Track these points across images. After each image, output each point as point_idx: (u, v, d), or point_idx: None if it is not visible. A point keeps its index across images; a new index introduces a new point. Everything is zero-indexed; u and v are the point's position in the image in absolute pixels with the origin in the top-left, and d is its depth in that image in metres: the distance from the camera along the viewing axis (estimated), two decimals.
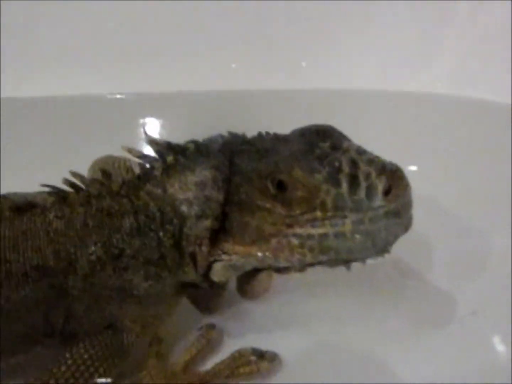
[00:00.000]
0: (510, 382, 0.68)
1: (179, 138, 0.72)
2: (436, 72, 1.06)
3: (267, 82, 1.04)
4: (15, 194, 0.72)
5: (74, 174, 0.70)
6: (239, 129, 0.72)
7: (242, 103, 1.03)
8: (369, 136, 0.68)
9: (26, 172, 0.80)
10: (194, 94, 1.05)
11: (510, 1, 1.04)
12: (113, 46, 1.08)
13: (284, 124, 0.70)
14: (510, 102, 0.98)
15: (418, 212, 0.64)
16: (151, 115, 1.05)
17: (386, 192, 0.60)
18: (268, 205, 0.64)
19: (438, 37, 1.07)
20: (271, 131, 0.71)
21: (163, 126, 1.04)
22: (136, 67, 1.07)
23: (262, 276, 0.70)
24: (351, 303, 0.81)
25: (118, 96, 1.06)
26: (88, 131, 1.02)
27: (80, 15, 1.09)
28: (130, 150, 0.71)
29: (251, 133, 0.71)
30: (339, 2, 1.07)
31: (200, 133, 0.72)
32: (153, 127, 1.03)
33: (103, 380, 0.65)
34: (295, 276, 0.69)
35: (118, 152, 0.77)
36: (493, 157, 0.96)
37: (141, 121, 1.03)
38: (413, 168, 0.78)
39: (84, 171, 0.77)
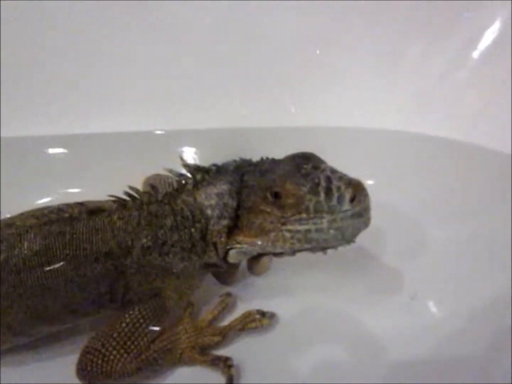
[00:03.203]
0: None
1: (205, 162, 0.72)
2: (389, 111, 1.04)
3: (266, 122, 1.04)
4: (89, 202, 0.72)
5: (131, 187, 0.71)
6: (246, 155, 0.72)
7: (247, 138, 1.02)
8: (339, 160, 0.67)
9: (93, 192, 0.77)
10: (214, 131, 1.04)
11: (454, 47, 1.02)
12: (156, 91, 1.06)
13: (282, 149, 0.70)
14: (445, 136, 0.98)
15: (374, 213, 0.63)
16: (186, 146, 1.04)
17: (352, 199, 0.61)
18: (268, 209, 0.64)
19: (394, 84, 1.05)
20: (271, 155, 0.71)
21: (192, 153, 1.04)
22: (173, 109, 1.07)
23: (264, 258, 0.70)
24: (328, 277, 0.81)
25: (161, 132, 1.05)
26: (139, 159, 1.01)
27: (131, 66, 1.07)
28: (170, 171, 0.71)
29: (255, 157, 0.71)
30: (316, 62, 1.06)
31: (219, 159, 0.72)
32: (187, 154, 1.02)
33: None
34: (287, 258, 0.69)
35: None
36: (430, 176, 0.95)
37: (178, 150, 1.02)
38: (370, 182, 0.76)
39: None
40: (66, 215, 0.67)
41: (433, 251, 0.84)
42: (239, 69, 1.06)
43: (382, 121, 1.01)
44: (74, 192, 0.96)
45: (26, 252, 0.64)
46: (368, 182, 0.65)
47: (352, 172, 0.64)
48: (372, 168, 0.91)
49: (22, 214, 0.71)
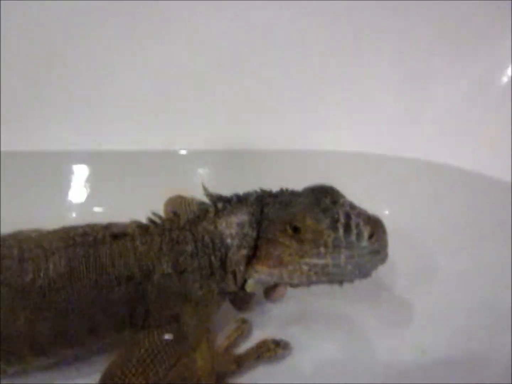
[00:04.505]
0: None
1: (222, 182, 0.72)
2: (407, 139, 1.03)
3: (283, 144, 1.03)
4: (113, 225, 0.71)
5: (154, 213, 0.70)
6: (264, 176, 0.71)
7: (264, 159, 1.01)
8: (355, 187, 0.67)
9: (114, 209, 0.76)
10: (232, 152, 1.03)
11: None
12: (178, 112, 1.07)
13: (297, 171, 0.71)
14: (462, 166, 0.98)
15: (389, 243, 0.62)
16: (205, 167, 1.04)
17: (370, 236, 0.60)
18: (287, 242, 0.63)
19: (411, 115, 1.05)
20: (286, 179, 0.70)
21: (211, 173, 1.04)
22: (193, 130, 1.07)
23: (280, 287, 0.69)
24: (341, 307, 0.80)
25: (183, 151, 1.05)
26: (160, 177, 1.01)
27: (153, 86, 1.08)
28: (192, 199, 0.71)
29: (273, 181, 0.70)
30: (335, 88, 1.06)
31: (236, 178, 0.73)
32: (205, 175, 1.02)
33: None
34: (303, 288, 0.68)
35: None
36: (440, 203, 0.95)
37: (198, 170, 1.02)
38: (386, 212, 0.75)
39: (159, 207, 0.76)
40: (91, 238, 0.67)
41: (443, 279, 0.83)
42: (260, 94, 1.06)
43: (400, 149, 1.01)
44: (97, 210, 0.96)
45: (51, 274, 0.63)
46: (384, 212, 0.64)
47: (367, 201, 0.63)
48: (387, 197, 0.91)
49: (48, 233, 0.70)
